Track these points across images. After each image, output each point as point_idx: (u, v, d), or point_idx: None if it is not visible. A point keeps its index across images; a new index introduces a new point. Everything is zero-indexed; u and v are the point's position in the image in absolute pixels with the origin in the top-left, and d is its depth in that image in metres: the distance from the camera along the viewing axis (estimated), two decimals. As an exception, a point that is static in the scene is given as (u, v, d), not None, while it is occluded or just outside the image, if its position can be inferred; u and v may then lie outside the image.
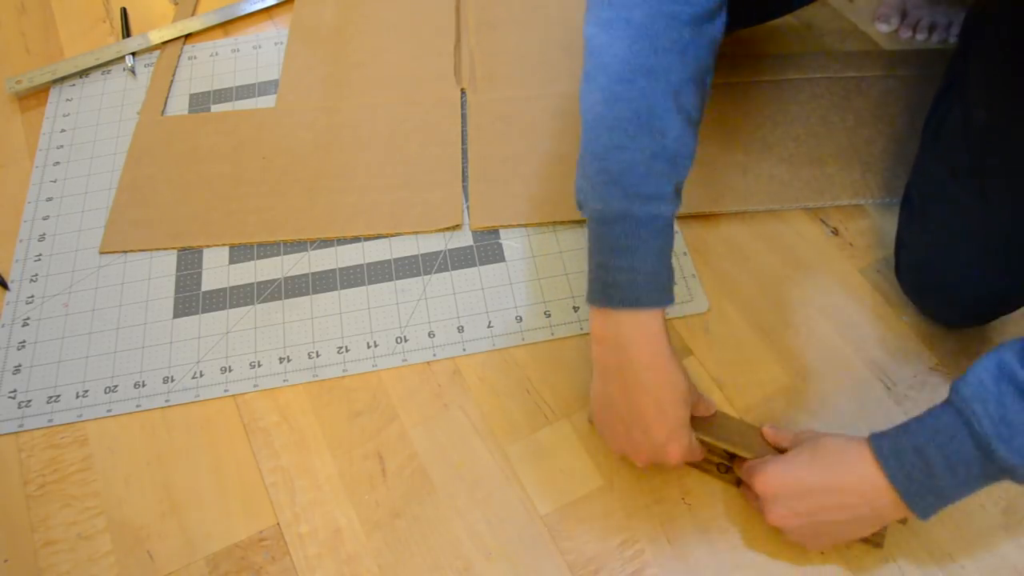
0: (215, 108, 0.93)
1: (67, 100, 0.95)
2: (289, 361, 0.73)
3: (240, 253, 0.80)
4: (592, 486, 0.65)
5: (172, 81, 0.96)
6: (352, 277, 0.78)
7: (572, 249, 0.79)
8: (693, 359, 0.72)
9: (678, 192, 0.56)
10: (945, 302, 0.70)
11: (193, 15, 1.03)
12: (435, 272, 0.78)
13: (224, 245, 0.80)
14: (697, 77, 0.56)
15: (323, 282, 0.78)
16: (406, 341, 0.74)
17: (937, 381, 0.69)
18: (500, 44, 0.96)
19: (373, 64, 0.95)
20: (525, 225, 0.80)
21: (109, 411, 0.71)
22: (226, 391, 0.71)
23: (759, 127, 0.85)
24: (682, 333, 0.73)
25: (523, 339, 0.73)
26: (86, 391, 0.72)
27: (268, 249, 0.80)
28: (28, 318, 0.77)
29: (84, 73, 0.97)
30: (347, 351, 0.73)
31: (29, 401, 0.71)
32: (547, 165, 0.84)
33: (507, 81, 0.92)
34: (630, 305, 0.55)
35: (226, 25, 1.03)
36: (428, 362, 0.73)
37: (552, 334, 0.73)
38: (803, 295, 0.75)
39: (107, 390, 0.72)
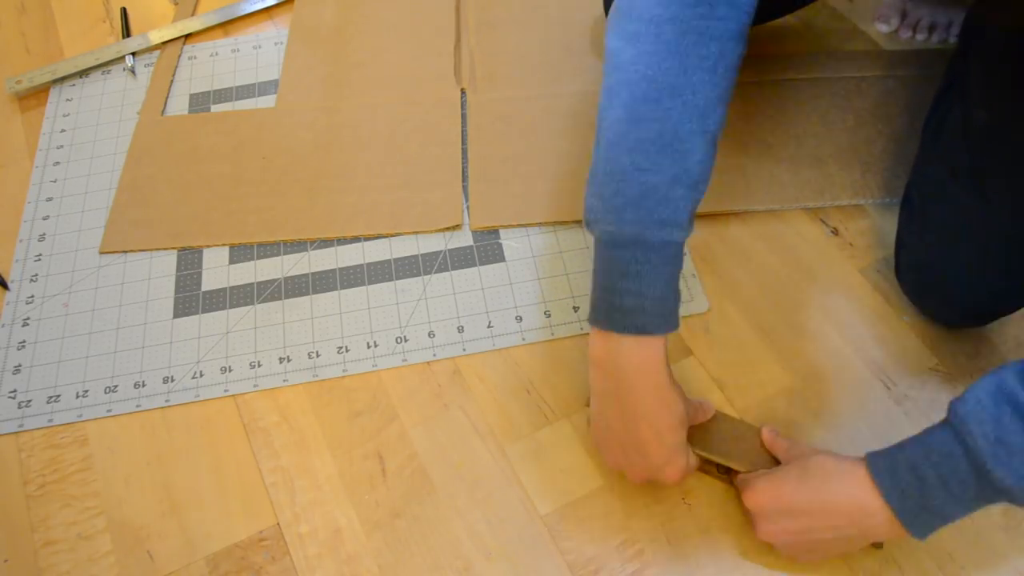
0: (215, 108, 0.93)
1: (67, 100, 0.95)
2: (289, 361, 0.73)
3: (240, 253, 0.80)
4: (592, 486, 0.65)
5: (172, 81, 0.96)
6: (352, 277, 0.78)
7: (572, 249, 0.79)
8: (693, 359, 0.72)
9: (692, 218, 0.55)
10: (945, 302, 0.70)
11: (193, 15, 1.03)
12: (435, 272, 0.78)
13: (224, 245, 0.80)
14: (724, 96, 0.55)
15: (323, 282, 0.78)
16: (406, 341, 0.74)
17: (937, 381, 0.69)
18: (500, 44, 0.96)
19: (373, 64, 0.95)
20: (525, 225, 0.80)
21: (109, 411, 0.71)
22: (226, 391, 0.71)
23: (759, 127, 0.85)
24: (682, 333, 0.73)
25: (523, 339, 0.73)
26: (86, 391, 0.72)
27: (268, 249, 0.80)
28: (28, 318, 0.77)
29: (84, 73, 0.97)
30: (347, 351, 0.73)
31: (29, 401, 0.71)
32: (547, 165, 0.84)
33: (507, 81, 0.92)
34: (635, 332, 0.54)
35: (226, 25, 1.03)
36: (428, 362, 0.73)
37: (552, 334, 0.73)
38: (803, 295, 0.75)
39: (107, 390, 0.72)
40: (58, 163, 0.89)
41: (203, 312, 0.76)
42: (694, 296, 0.75)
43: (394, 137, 0.87)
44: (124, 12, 1.04)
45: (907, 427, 0.67)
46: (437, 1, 1.01)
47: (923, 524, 0.50)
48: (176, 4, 1.06)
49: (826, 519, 0.53)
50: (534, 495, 0.65)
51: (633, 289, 0.53)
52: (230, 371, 0.72)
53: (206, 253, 0.80)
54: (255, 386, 0.72)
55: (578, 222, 0.80)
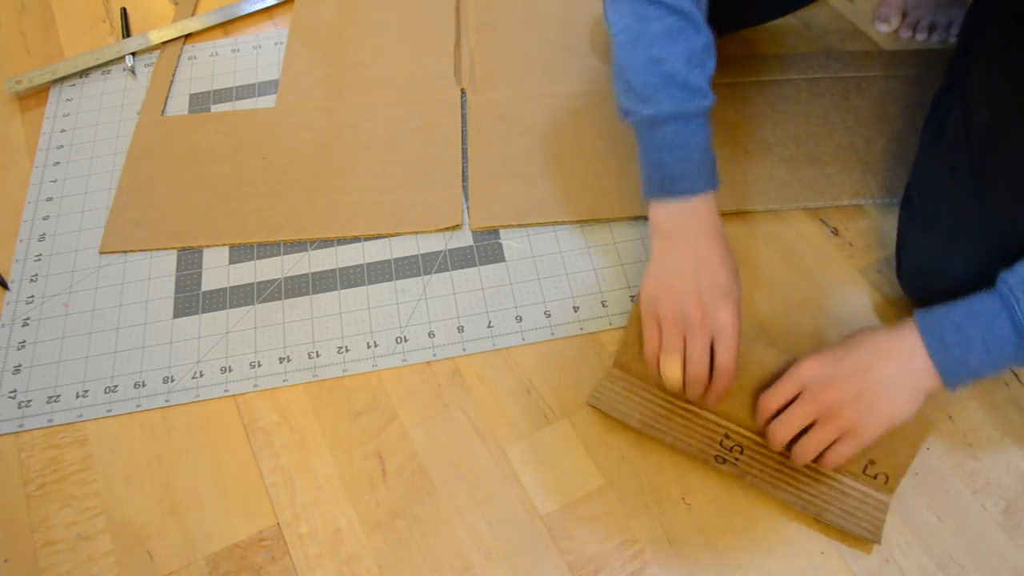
0: (215, 108, 0.93)
1: (67, 100, 0.95)
2: (289, 361, 0.73)
3: (240, 253, 0.80)
4: (592, 486, 0.65)
5: (172, 81, 0.96)
6: (352, 277, 0.78)
7: (572, 249, 0.79)
8: (693, 359, 0.72)
9: (711, 86, 0.64)
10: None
11: (193, 15, 1.03)
12: (435, 272, 0.78)
13: (224, 245, 0.80)
14: None
15: (323, 282, 0.78)
16: (406, 341, 0.74)
17: (937, 381, 0.69)
18: (500, 44, 0.96)
19: (373, 64, 0.95)
20: (525, 225, 0.80)
21: (109, 411, 0.71)
22: (226, 391, 0.71)
23: (759, 127, 0.85)
24: (682, 333, 0.73)
25: (523, 339, 0.73)
26: (86, 391, 0.72)
27: (268, 249, 0.80)
28: (28, 318, 0.77)
29: (84, 73, 0.97)
30: (347, 351, 0.73)
31: (29, 401, 0.71)
32: (547, 165, 0.84)
33: (507, 81, 0.92)
34: (689, 193, 0.63)
35: (226, 25, 1.03)
36: (428, 362, 0.73)
37: (552, 334, 0.73)
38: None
39: (107, 390, 0.72)
40: (58, 163, 0.89)
41: (203, 312, 0.76)
42: (694, 296, 0.75)
43: (394, 137, 0.87)
44: (124, 12, 1.04)
45: (907, 427, 0.66)
46: (437, 1, 1.01)
47: (958, 378, 0.57)
48: (176, 4, 1.06)
49: (877, 365, 0.57)
50: (534, 495, 0.65)
51: (681, 157, 0.63)
52: (230, 371, 0.72)
53: (206, 253, 0.80)
54: (255, 386, 0.72)
55: (578, 222, 0.80)
